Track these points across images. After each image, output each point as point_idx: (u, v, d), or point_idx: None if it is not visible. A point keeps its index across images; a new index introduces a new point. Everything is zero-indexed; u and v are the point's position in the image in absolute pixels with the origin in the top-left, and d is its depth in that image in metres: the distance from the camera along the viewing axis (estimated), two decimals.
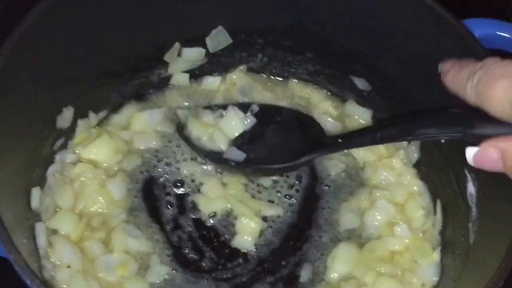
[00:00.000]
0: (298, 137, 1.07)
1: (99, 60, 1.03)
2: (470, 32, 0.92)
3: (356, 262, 1.00)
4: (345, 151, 1.12)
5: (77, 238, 0.98)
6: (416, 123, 0.90)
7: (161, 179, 1.08)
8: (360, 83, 1.13)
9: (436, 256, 1.01)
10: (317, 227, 1.05)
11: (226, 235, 1.04)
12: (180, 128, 1.09)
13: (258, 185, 1.08)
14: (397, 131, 0.93)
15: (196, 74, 1.17)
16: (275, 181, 1.09)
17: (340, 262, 1.00)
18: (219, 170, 1.09)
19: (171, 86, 1.17)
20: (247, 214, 1.04)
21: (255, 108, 1.09)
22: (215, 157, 1.06)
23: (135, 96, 1.14)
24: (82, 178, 1.03)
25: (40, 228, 0.96)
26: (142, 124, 1.11)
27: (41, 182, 1.00)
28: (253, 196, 1.07)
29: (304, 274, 1.01)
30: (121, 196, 1.04)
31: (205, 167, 1.09)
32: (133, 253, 0.99)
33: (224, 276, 1.00)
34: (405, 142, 1.10)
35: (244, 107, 1.09)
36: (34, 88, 0.92)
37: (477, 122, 0.80)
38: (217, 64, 1.16)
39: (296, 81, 1.19)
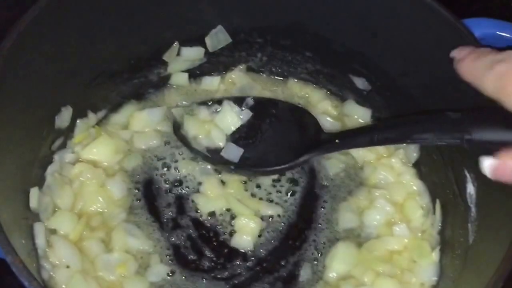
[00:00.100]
0: (295, 133, 1.06)
1: (98, 60, 1.02)
2: (470, 32, 0.91)
3: (355, 262, 1.00)
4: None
5: (76, 238, 0.97)
6: (413, 127, 0.90)
7: (161, 179, 1.07)
8: (360, 83, 1.12)
9: (435, 256, 1.00)
10: (316, 226, 1.05)
11: (225, 235, 1.03)
12: (176, 127, 1.09)
13: (258, 184, 1.08)
14: (394, 134, 0.93)
15: (195, 73, 1.16)
16: (274, 181, 1.08)
17: (339, 261, 0.99)
18: (218, 169, 1.08)
19: (170, 85, 1.16)
20: (246, 213, 1.03)
21: (250, 101, 1.08)
22: (213, 157, 1.06)
23: (134, 96, 1.14)
24: (81, 178, 1.02)
25: (38, 228, 0.95)
26: (142, 123, 1.11)
27: (40, 182, 1.00)
28: (252, 196, 1.07)
29: (303, 274, 1.00)
30: (120, 196, 1.03)
31: (204, 166, 1.08)
32: (133, 252, 0.98)
33: (223, 276, 0.99)
34: None
35: (239, 101, 1.08)
36: (32, 88, 0.91)
37: (474, 128, 0.80)
38: (216, 63, 1.16)
39: (296, 80, 1.19)
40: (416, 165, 1.10)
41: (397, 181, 1.09)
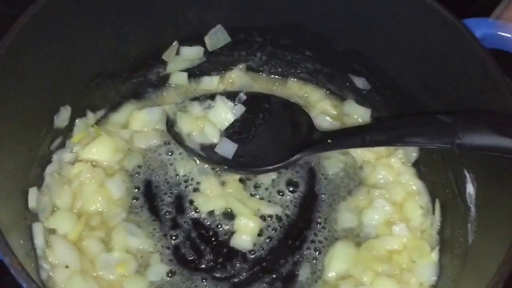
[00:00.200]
0: (288, 129, 1.06)
1: (97, 59, 1.02)
2: (471, 32, 0.90)
3: (354, 261, 0.99)
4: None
5: (76, 238, 0.96)
6: (404, 131, 0.91)
7: (161, 178, 1.06)
8: (360, 82, 1.12)
9: (434, 255, 1.00)
10: (316, 226, 1.04)
11: (224, 234, 1.02)
12: (170, 125, 1.08)
13: (257, 184, 1.07)
14: (386, 136, 0.94)
15: (194, 73, 1.15)
16: (274, 180, 1.08)
17: (338, 261, 0.99)
18: (217, 169, 1.07)
19: (170, 85, 1.15)
20: (245, 213, 1.02)
21: (243, 96, 1.08)
22: (207, 155, 1.05)
23: (133, 95, 1.13)
24: (80, 178, 1.01)
25: (37, 229, 0.94)
26: (142, 122, 1.10)
27: (38, 182, 0.99)
28: (251, 195, 1.06)
29: (303, 273, 0.99)
30: (120, 195, 1.03)
31: (204, 166, 1.07)
32: (133, 252, 0.98)
33: (223, 275, 0.99)
34: None
35: (232, 96, 1.08)
36: (30, 87, 0.91)
37: (465, 133, 0.81)
38: (216, 63, 1.15)
39: (295, 80, 1.18)
40: (416, 164, 1.09)
41: (396, 180, 1.08)
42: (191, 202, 1.04)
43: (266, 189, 1.07)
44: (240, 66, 1.16)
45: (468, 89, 0.93)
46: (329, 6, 1.01)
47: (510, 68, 0.90)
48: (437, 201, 1.04)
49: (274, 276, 0.99)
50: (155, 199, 1.04)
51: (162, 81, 1.14)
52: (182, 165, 1.07)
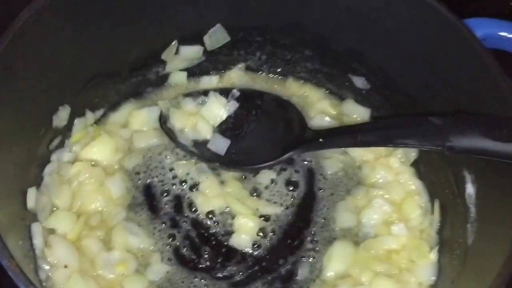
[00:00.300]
0: (280, 126, 1.06)
1: (96, 59, 1.00)
2: (472, 32, 0.89)
3: (352, 261, 0.98)
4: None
5: (75, 237, 0.95)
6: (396, 132, 0.91)
7: (160, 177, 1.05)
8: (359, 82, 1.11)
9: (433, 255, 0.99)
10: (315, 225, 1.03)
11: (224, 234, 1.01)
12: (163, 121, 1.07)
13: (256, 183, 1.06)
14: (377, 137, 0.94)
15: (194, 72, 1.14)
16: (273, 180, 1.07)
17: (336, 260, 0.98)
18: (216, 168, 1.06)
19: (169, 84, 1.14)
20: (245, 213, 1.01)
21: (236, 93, 1.07)
22: (199, 151, 1.05)
23: (133, 95, 1.12)
24: (79, 178, 1.00)
25: (36, 229, 0.93)
26: (141, 122, 1.09)
27: (37, 181, 0.98)
28: (251, 195, 1.05)
29: (301, 273, 0.99)
30: (120, 194, 1.02)
31: (203, 165, 1.06)
32: (134, 251, 0.97)
33: (222, 275, 0.98)
34: None
35: (225, 92, 1.07)
36: (28, 87, 0.90)
37: (455, 135, 0.82)
38: (215, 62, 1.14)
39: (294, 79, 1.17)
40: (415, 164, 1.08)
41: (395, 180, 1.07)
42: (191, 201, 1.03)
43: (265, 188, 1.06)
44: (240, 66, 1.15)
45: (468, 90, 0.92)
46: (328, 5, 1.00)
47: (511, 68, 0.88)
48: (436, 201, 1.03)
49: (273, 275, 0.98)
50: (155, 198, 1.03)
51: (162, 81, 1.13)
52: (182, 165, 1.06)
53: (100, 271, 0.93)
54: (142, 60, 1.08)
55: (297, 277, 0.98)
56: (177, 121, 1.06)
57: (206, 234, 1.01)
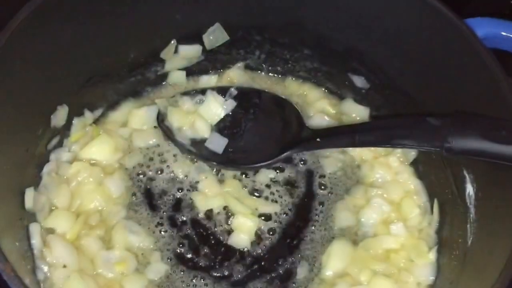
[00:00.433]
0: (278, 125, 1.05)
1: (94, 58, 0.99)
2: (473, 32, 0.87)
3: (351, 260, 0.97)
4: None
5: (74, 237, 0.94)
6: (394, 132, 0.90)
7: (160, 176, 1.04)
8: (359, 81, 1.09)
9: (432, 255, 0.97)
10: (313, 225, 1.02)
11: (223, 233, 1.00)
12: (160, 119, 1.06)
13: (255, 182, 1.04)
14: (375, 138, 0.93)
15: (193, 71, 1.12)
16: (272, 179, 1.05)
17: (335, 259, 0.97)
18: (215, 168, 1.05)
19: (168, 83, 1.12)
20: (243, 212, 1.00)
21: (234, 91, 1.06)
22: (197, 150, 1.03)
23: (132, 94, 1.10)
24: (78, 178, 0.99)
25: (34, 229, 0.92)
26: (141, 120, 1.07)
27: (35, 181, 0.96)
28: (250, 194, 1.04)
29: (300, 272, 0.97)
30: (119, 194, 1.00)
31: (203, 165, 1.04)
32: (134, 250, 0.96)
33: (221, 274, 0.97)
34: None
35: (222, 91, 1.06)
36: (26, 87, 0.88)
37: (454, 136, 0.81)
38: (214, 61, 1.12)
39: (294, 79, 1.15)
40: (414, 164, 1.07)
41: (394, 180, 1.06)
42: (190, 200, 1.02)
43: (264, 187, 1.04)
44: (239, 65, 1.13)
45: (469, 89, 0.90)
46: (328, 4, 0.98)
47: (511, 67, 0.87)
48: (435, 200, 1.02)
49: (272, 274, 0.97)
50: (154, 197, 1.02)
51: (161, 80, 1.11)
52: (181, 164, 1.04)
53: (99, 270, 0.92)
54: (141, 59, 1.06)
55: (296, 276, 0.96)
56: (175, 120, 1.04)
57: (205, 233, 0.99)
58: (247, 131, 1.05)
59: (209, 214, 1.01)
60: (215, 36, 1.06)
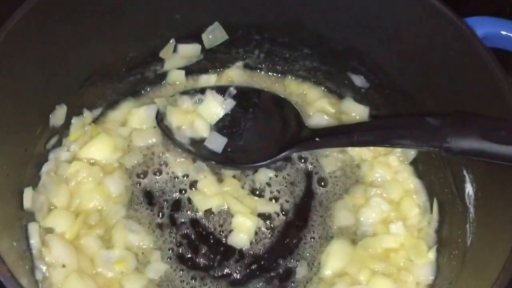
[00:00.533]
0: (277, 124, 1.04)
1: (92, 57, 0.98)
2: (473, 31, 0.86)
3: (350, 259, 0.96)
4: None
5: (73, 236, 0.93)
6: (393, 132, 0.90)
7: (159, 176, 1.03)
8: (358, 80, 1.08)
9: (431, 255, 0.97)
10: (313, 224, 1.01)
11: (222, 233, 0.99)
12: (159, 118, 1.05)
13: (254, 182, 1.04)
14: (374, 137, 0.93)
15: (192, 70, 1.11)
16: (271, 178, 1.04)
17: (334, 259, 0.96)
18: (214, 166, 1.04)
19: (167, 83, 1.11)
20: (243, 211, 0.99)
21: (233, 91, 1.06)
22: (196, 149, 1.03)
23: (131, 93, 1.09)
24: (78, 178, 0.98)
25: (33, 229, 0.91)
26: (140, 120, 1.06)
27: (34, 181, 0.95)
28: (249, 193, 1.03)
29: (299, 271, 0.96)
30: (118, 193, 1.00)
31: (202, 164, 1.03)
32: (134, 249, 0.95)
33: (220, 274, 0.96)
34: None
35: (222, 90, 1.06)
36: (24, 86, 0.87)
37: (453, 136, 0.80)
38: (213, 60, 1.11)
39: (293, 78, 1.14)
40: (414, 163, 1.06)
41: (394, 179, 1.05)
42: (189, 200, 1.01)
43: (264, 187, 1.03)
44: (238, 64, 1.12)
45: (469, 89, 0.89)
46: (328, 3, 0.97)
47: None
48: (435, 200, 1.01)
49: (271, 274, 0.96)
50: (154, 197, 1.01)
51: (160, 79, 1.11)
52: (181, 163, 1.04)
53: (99, 269, 0.91)
54: (140, 58, 1.05)
55: (295, 276, 0.96)
56: (174, 119, 1.04)
57: (204, 233, 0.99)
58: (246, 131, 1.04)
59: (208, 213, 1.00)
60: (214, 35, 1.05)
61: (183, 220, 0.99)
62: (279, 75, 1.14)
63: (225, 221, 0.99)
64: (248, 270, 0.96)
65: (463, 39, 0.86)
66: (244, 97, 1.06)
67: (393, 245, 0.97)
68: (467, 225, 0.90)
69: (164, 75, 1.10)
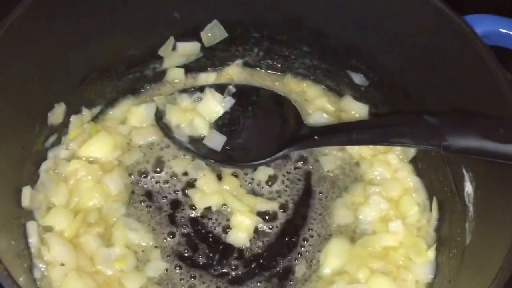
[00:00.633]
0: (277, 123, 1.04)
1: (91, 55, 0.97)
2: (472, 29, 0.85)
3: (349, 257, 0.96)
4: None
5: (72, 235, 0.93)
6: (391, 130, 0.90)
7: (159, 174, 1.02)
8: (358, 78, 1.07)
9: (431, 253, 0.96)
10: (312, 222, 1.00)
11: (221, 231, 0.99)
12: (158, 117, 1.04)
13: (253, 180, 1.03)
14: (373, 135, 0.93)
15: (191, 68, 1.11)
16: (270, 177, 1.04)
17: (332, 257, 0.96)
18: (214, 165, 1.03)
19: (167, 81, 1.11)
20: (242, 210, 0.99)
21: (232, 89, 1.05)
22: (195, 148, 1.02)
23: (130, 91, 1.09)
24: (77, 176, 0.97)
25: (32, 227, 0.91)
26: (139, 118, 1.06)
27: (33, 179, 0.95)
28: (248, 192, 1.02)
29: (298, 270, 0.96)
30: (117, 191, 0.99)
31: (201, 162, 1.03)
32: (134, 247, 0.95)
33: (219, 272, 0.95)
34: None
35: (221, 89, 1.05)
36: (22, 83, 0.87)
37: (451, 135, 0.80)
38: (212, 58, 1.10)
39: (293, 76, 1.14)
40: (413, 161, 1.05)
41: (393, 177, 1.04)
42: (188, 198, 1.00)
43: (263, 185, 1.03)
44: (237, 62, 1.12)
45: (468, 87, 0.89)
46: (327, 1, 0.97)
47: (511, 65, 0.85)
48: (434, 198, 1.00)
49: (270, 272, 0.96)
50: (153, 195, 1.00)
51: (159, 77, 1.10)
52: (180, 161, 1.03)
53: (99, 267, 0.91)
54: (139, 57, 1.05)
55: (294, 274, 0.95)
56: (173, 117, 1.03)
57: (203, 231, 0.98)
58: (245, 129, 1.03)
59: (207, 211, 1.00)
60: (213, 33, 1.05)
61: (182, 218, 0.99)
62: (279, 73, 1.14)
63: (224, 220, 0.99)
64: (247, 269, 0.96)
65: (463, 37, 0.85)
66: (244, 95, 1.05)
67: (392, 244, 0.97)
68: (466, 224, 0.90)
69: (163, 73, 1.10)
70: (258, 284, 0.94)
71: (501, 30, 0.87)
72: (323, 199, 1.02)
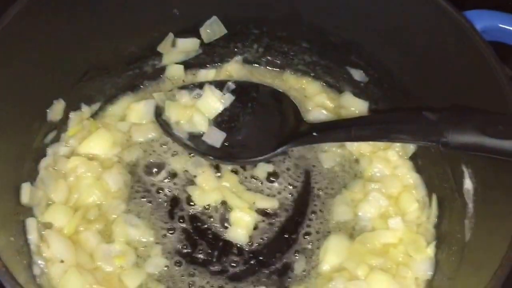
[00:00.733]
0: (276, 119, 1.04)
1: (90, 52, 0.97)
2: (472, 24, 0.85)
3: (348, 254, 0.96)
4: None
5: (72, 231, 0.93)
6: (390, 126, 0.89)
7: (158, 170, 1.02)
8: (357, 75, 1.07)
9: (430, 250, 0.96)
10: (311, 219, 1.00)
11: (220, 228, 0.99)
12: (158, 113, 1.04)
13: (253, 177, 1.03)
14: (371, 132, 0.93)
15: (191, 65, 1.11)
16: (270, 174, 1.04)
17: (332, 254, 0.96)
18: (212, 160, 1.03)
19: (166, 77, 1.10)
20: (241, 206, 0.99)
21: (232, 85, 1.05)
22: (194, 144, 1.02)
23: (130, 88, 1.08)
24: (76, 173, 0.97)
25: (31, 224, 0.91)
26: (139, 114, 1.06)
27: (32, 176, 0.95)
28: (247, 189, 1.02)
29: (298, 266, 0.96)
30: (117, 188, 0.99)
31: (200, 159, 1.03)
32: (134, 243, 0.95)
33: (219, 269, 0.95)
34: None
35: (220, 85, 1.05)
36: (21, 80, 0.86)
37: (450, 131, 0.80)
38: (212, 55, 1.10)
39: (292, 72, 1.13)
40: (413, 158, 1.05)
41: (392, 174, 1.04)
42: (188, 195, 1.00)
43: (262, 182, 1.03)
44: (237, 59, 1.11)
45: (467, 83, 0.88)
46: None
47: (511, 61, 0.84)
48: (434, 195, 1.00)
49: (269, 269, 0.96)
50: (153, 192, 1.00)
51: (158, 74, 1.10)
52: (179, 158, 1.03)
53: (99, 263, 0.91)
54: (138, 53, 1.04)
55: (293, 271, 0.95)
56: (173, 114, 1.03)
57: (203, 228, 0.98)
58: (245, 125, 1.03)
59: (207, 208, 0.99)
60: (212, 29, 1.04)
61: (182, 215, 0.99)
62: (278, 70, 1.13)
63: (223, 216, 0.99)
64: (246, 265, 0.96)
65: (462, 33, 0.85)
66: (243, 91, 1.05)
67: (392, 240, 0.96)
68: (466, 220, 0.89)
69: (162, 70, 1.09)
70: (257, 280, 0.94)
71: (500, 25, 0.86)
72: (322, 196, 1.02)
